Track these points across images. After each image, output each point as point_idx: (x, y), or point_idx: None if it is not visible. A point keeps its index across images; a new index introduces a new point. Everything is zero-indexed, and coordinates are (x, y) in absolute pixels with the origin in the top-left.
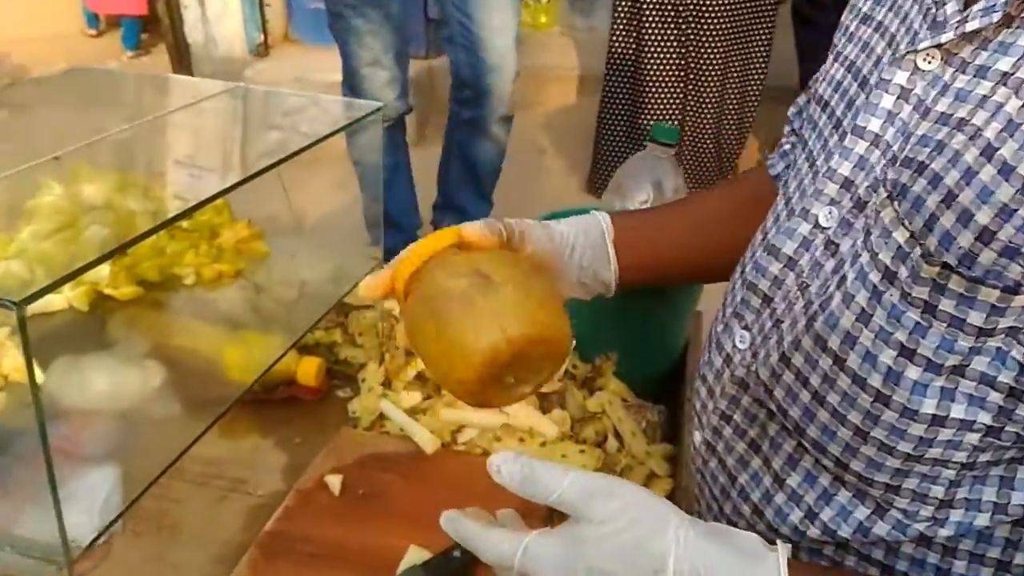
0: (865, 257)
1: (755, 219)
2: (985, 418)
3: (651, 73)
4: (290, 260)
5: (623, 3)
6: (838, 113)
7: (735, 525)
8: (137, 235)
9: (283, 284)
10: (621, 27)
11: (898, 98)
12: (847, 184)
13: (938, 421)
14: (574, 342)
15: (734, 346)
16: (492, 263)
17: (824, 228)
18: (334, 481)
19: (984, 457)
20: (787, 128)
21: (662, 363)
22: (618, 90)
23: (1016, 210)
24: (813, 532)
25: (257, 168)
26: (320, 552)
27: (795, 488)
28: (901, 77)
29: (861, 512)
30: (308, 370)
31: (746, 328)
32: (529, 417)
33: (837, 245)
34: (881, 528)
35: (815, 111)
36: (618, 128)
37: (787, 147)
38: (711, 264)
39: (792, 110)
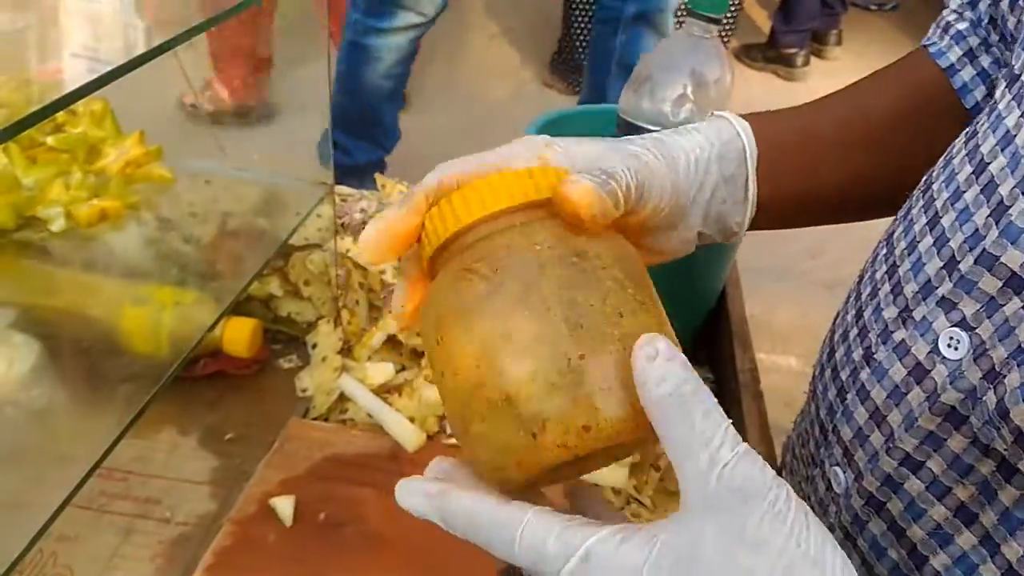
0: None
1: (938, 129)
2: None
3: None
4: (204, 187)
5: None
6: None
7: None
8: None
9: (196, 220)
10: None
11: None
12: None
13: None
14: None
15: (934, 351)
16: (597, 285)
17: None
18: (284, 506)
19: None
20: (953, 1)
21: (699, 312)
22: None
23: None
24: None
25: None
26: None
27: None
28: None
29: None
30: (239, 335)
31: (963, 325)
32: None
33: None
34: None
35: None
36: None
37: (962, 27)
38: (886, 195)
39: None
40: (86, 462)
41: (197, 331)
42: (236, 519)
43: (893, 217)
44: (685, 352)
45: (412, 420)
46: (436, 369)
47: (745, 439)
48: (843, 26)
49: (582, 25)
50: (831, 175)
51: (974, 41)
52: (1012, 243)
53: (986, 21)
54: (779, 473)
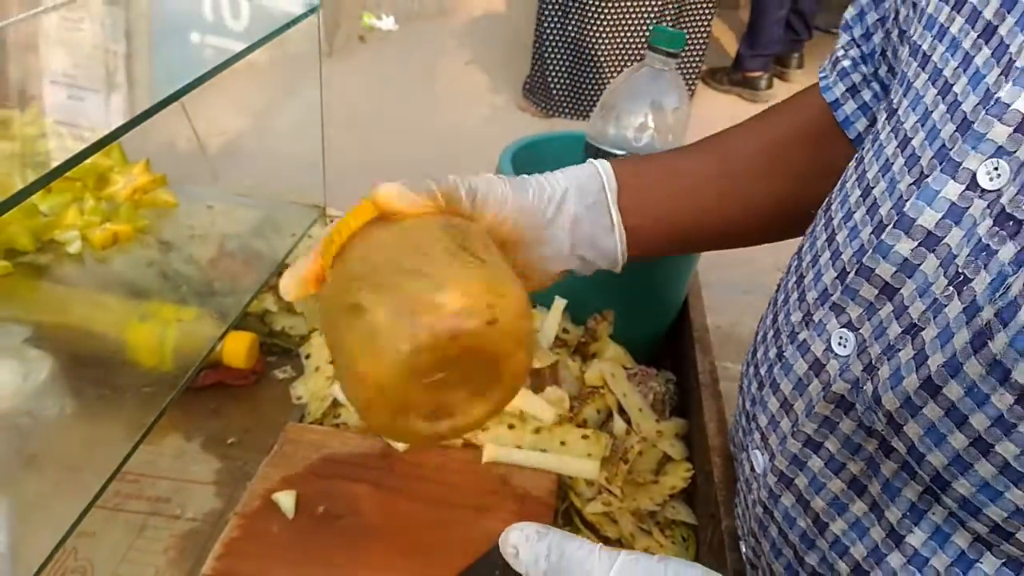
0: None
1: (812, 165)
2: None
3: None
4: (206, 211)
5: None
6: (987, 14)
7: None
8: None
9: (197, 242)
10: None
11: None
12: None
13: None
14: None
15: (828, 349)
16: (426, 235)
17: (987, 191)
18: (286, 500)
19: None
20: (844, 36)
21: (661, 321)
22: None
23: None
24: None
25: (164, 94)
26: None
27: (919, 549)
28: None
29: None
30: (237, 348)
31: (850, 327)
32: (520, 399)
33: (1020, 221)
34: None
35: (927, 7)
36: (562, 29)
37: (847, 64)
38: (751, 226)
39: (851, 12)
40: (101, 467)
41: (200, 345)
42: (242, 513)
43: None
44: (644, 360)
45: None
46: (330, 345)
47: (705, 434)
48: (805, 50)
49: (553, 50)
50: (696, 205)
51: (857, 77)
52: (883, 257)
53: (878, 53)
54: (728, 456)
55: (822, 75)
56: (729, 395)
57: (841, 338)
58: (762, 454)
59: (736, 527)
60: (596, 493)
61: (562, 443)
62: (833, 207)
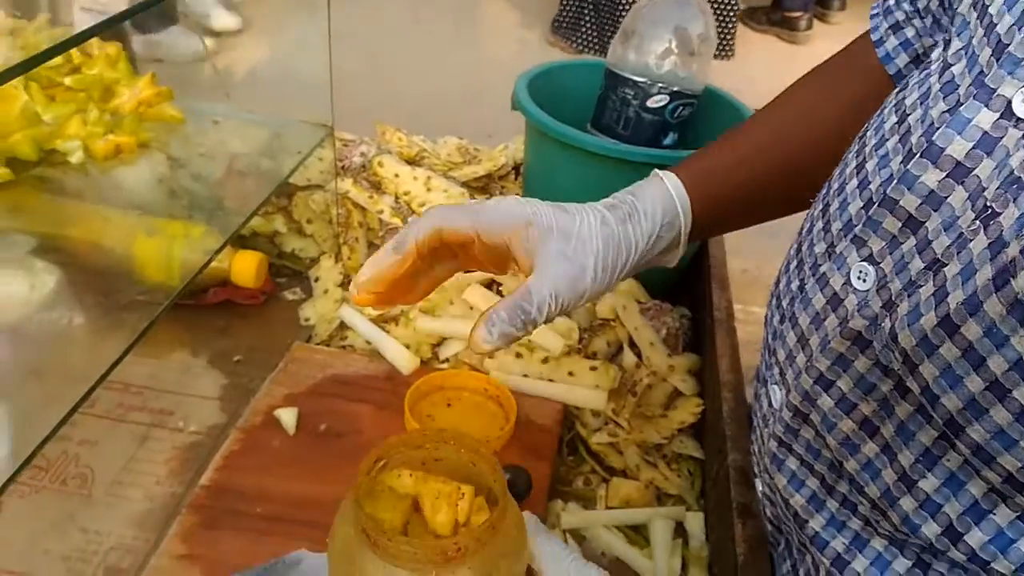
0: None
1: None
2: None
3: None
4: (212, 128)
5: None
6: None
7: (845, 523)
8: None
9: (204, 158)
10: None
11: None
12: None
13: None
14: None
15: (847, 283)
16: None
17: (1022, 120)
18: (287, 416)
19: None
20: None
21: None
22: None
23: None
24: (956, 555)
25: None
26: (274, 513)
27: (930, 494)
28: None
29: None
30: (246, 267)
31: (871, 260)
32: None
33: None
34: None
35: None
36: None
37: (891, 2)
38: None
39: None
40: (98, 375)
41: (197, 259)
42: (243, 427)
43: None
44: (660, 297)
45: (407, 347)
46: None
47: (717, 370)
48: None
49: None
50: (770, 197)
51: (900, 15)
52: (909, 188)
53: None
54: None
55: (873, 17)
56: (753, 339)
57: (861, 272)
58: (780, 388)
59: (751, 463)
60: (603, 424)
61: (570, 373)
62: (868, 133)
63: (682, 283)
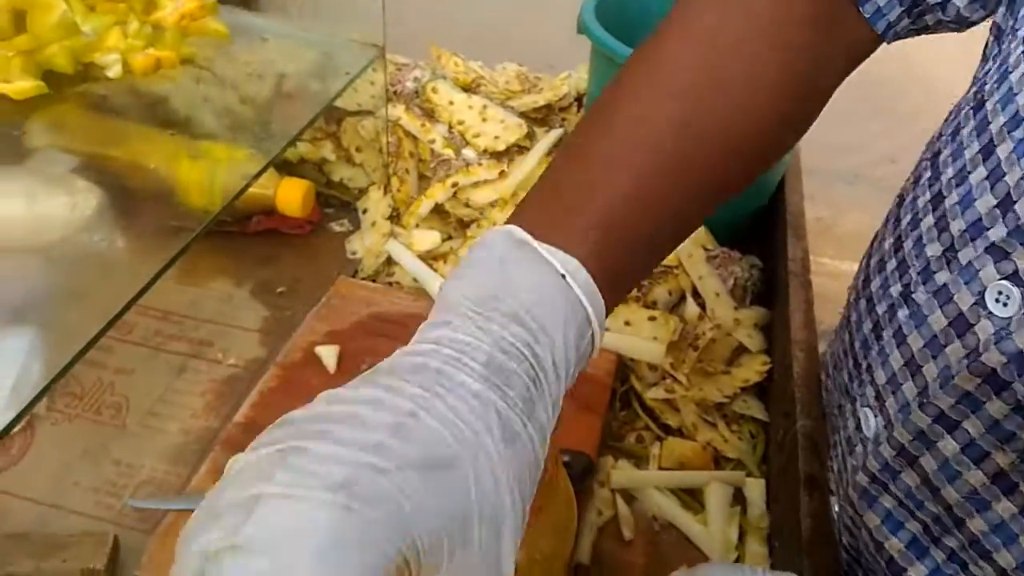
0: None
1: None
2: None
3: None
4: (260, 45)
5: None
6: None
7: None
8: None
9: (251, 78)
10: None
11: None
12: None
13: None
14: None
15: (979, 304)
16: None
17: None
18: (328, 354)
19: None
20: None
21: (751, 202)
22: None
23: None
24: None
25: None
26: None
27: None
28: None
29: None
30: (292, 195)
31: (1015, 280)
32: None
33: None
34: None
35: None
36: None
37: None
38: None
39: None
40: (129, 300)
41: (239, 183)
42: (282, 363)
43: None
44: (736, 241)
45: None
46: None
47: (788, 326)
48: None
49: None
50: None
51: None
52: None
53: None
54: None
55: None
56: (823, 292)
57: (1000, 293)
58: (874, 415)
59: (827, 479)
60: (659, 379)
61: (626, 323)
62: (991, 104)
63: (754, 229)
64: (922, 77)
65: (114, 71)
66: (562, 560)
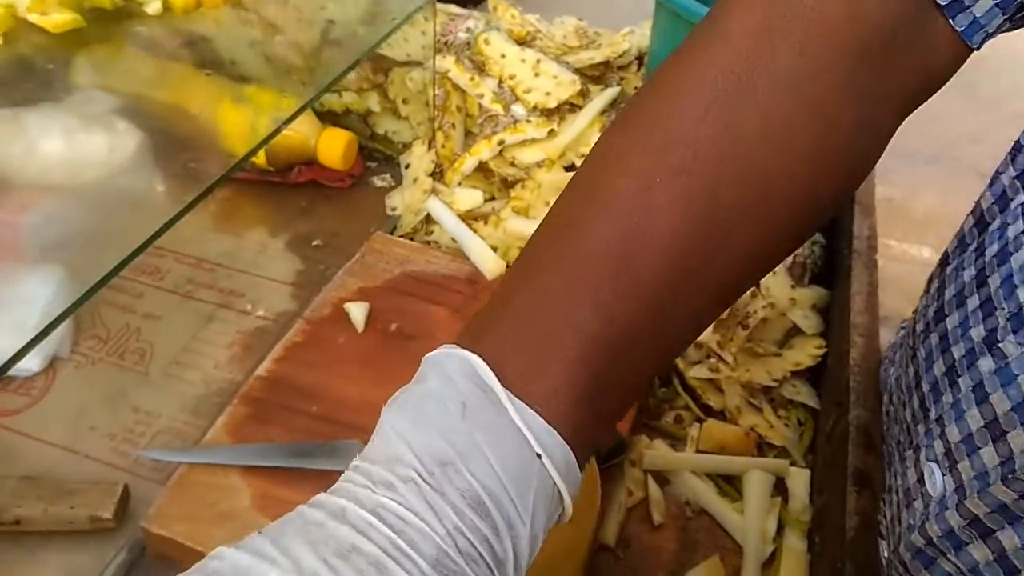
0: None
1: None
2: None
3: None
4: None
5: None
6: None
7: None
8: None
9: (299, 23)
10: None
11: None
12: None
13: None
14: None
15: None
16: None
17: None
18: (357, 311)
19: None
20: None
21: None
22: None
23: None
24: None
25: None
26: (328, 414)
27: None
28: None
29: None
30: (333, 146)
31: None
32: None
33: None
34: None
35: None
36: None
37: None
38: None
39: None
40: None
41: (288, 135)
42: (310, 318)
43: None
44: None
45: (494, 249)
46: None
47: (848, 309)
48: None
49: None
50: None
51: None
52: None
53: None
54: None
55: None
56: (888, 276)
57: None
58: (942, 474)
59: (878, 522)
60: (704, 357)
61: None
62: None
63: None
64: (1010, 58)
65: (153, 8)
66: (583, 542)
